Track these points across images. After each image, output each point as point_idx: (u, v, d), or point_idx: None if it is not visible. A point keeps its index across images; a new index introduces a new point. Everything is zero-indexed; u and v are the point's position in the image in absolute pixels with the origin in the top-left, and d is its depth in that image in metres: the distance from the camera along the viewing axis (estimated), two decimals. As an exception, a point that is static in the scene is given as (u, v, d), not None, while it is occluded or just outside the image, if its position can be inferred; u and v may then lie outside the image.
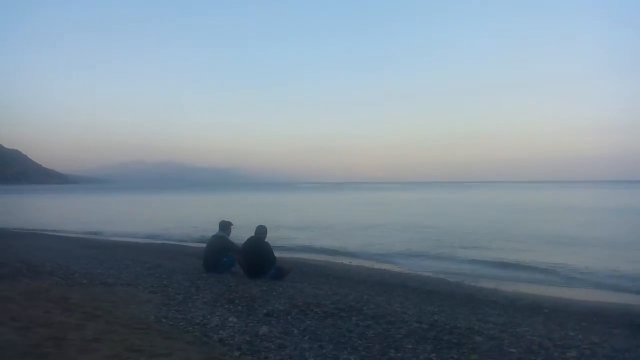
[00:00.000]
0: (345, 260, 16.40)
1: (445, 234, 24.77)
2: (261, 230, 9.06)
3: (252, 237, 9.07)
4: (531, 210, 42.59)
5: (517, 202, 57.69)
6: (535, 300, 9.75)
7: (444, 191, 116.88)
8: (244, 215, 32.72)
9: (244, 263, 8.96)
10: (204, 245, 10.27)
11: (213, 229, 10.09)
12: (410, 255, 18.43)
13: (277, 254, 9.75)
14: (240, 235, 10.58)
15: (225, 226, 9.60)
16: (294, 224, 30.07)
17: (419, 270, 14.87)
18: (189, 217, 35.17)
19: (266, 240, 9.08)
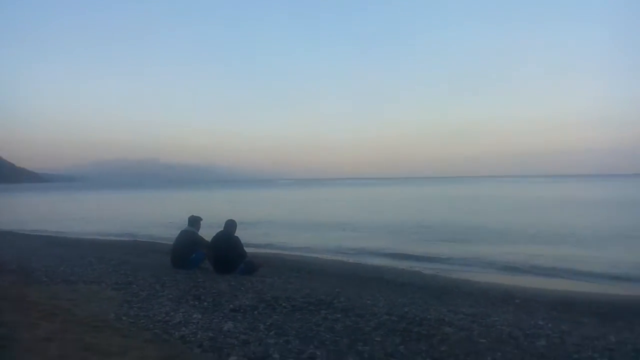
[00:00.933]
0: (321, 255, 16.30)
1: (425, 228, 24.89)
2: (230, 225, 8.83)
3: (221, 231, 8.84)
4: (515, 204, 43.16)
5: (502, 196, 58.51)
6: (507, 290, 9.77)
7: (432, 186, 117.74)
8: (218, 211, 32.29)
9: (212, 258, 8.73)
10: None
11: (184, 225, 9.82)
12: (387, 249, 18.43)
13: (248, 250, 9.56)
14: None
15: (194, 221, 9.35)
16: (268, 220, 29.87)
17: (394, 264, 14.86)
18: (163, 214, 34.61)
19: (236, 235, 8.85)
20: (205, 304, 6.37)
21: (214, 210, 31.27)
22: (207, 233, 9.51)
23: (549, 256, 15.80)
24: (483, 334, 4.97)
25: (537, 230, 22.62)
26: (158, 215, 33.79)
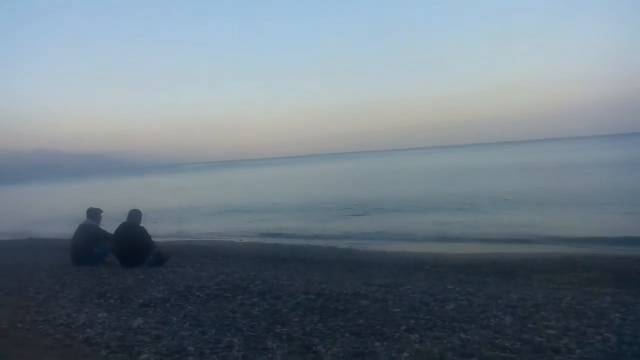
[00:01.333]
0: (236, 239, 16.06)
1: (337, 204, 25.37)
2: (135, 215, 8.31)
3: (124, 222, 8.30)
4: (418, 175, 45.21)
5: (407, 168, 61.00)
6: (418, 258, 10.20)
7: (340, 162, 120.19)
8: (120, 201, 30.64)
9: (117, 251, 8.19)
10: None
11: (83, 219, 9.09)
12: (302, 228, 18.57)
13: (156, 241, 9.12)
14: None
15: (94, 213, 8.69)
16: (176, 207, 28.93)
17: (310, 242, 15.02)
18: (60, 209, 32.17)
19: (142, 225, 8.36)
20: (112, 301, 5.96)
21: (115, 201, 29.57)
22: (109, 226, 8.91)
23: (455, 223, 16.80)
24: (397, 303, 5.10)
25: (440, 199, 23.94)
26: (54, 210, 31.38)
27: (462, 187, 29.53)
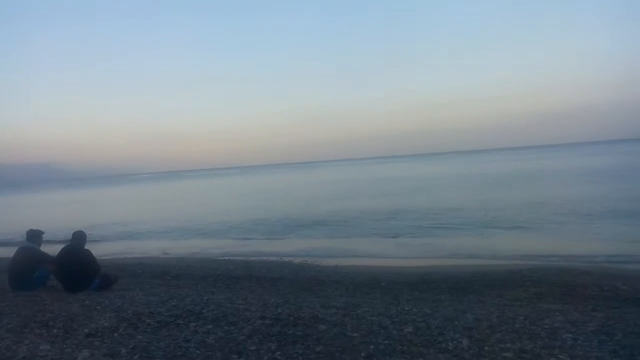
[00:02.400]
0: (187, 255, 15.62)
1: (287, 215, 25.24)
2: (79, 236, 7.87)
3: (68, 245, 7.84)
4: (363, 187, 45.70)
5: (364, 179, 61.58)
6: (373, 274, 10.24)
7: (290, 173, 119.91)
8: (58, 218, 29.29)
9: (60, 276, 7.72)
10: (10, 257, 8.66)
11: (23, 241, 8.54)
12: (255, 240, 18.34)
13: (102, 261, 8.69)
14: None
15: (34, 235, 8.17)
16: (122, 221, 27.95)
17: (263, 256, 14.82)
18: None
19: (86, 248, 7.91)
20: (55, 330, 5.58)
21: (56, 218, 28.22)
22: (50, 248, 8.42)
23: (405, 235, 17.05)
24: (355, 327, 5.05)
25: (387, 210, 24.28)
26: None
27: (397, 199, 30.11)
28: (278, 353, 4.42)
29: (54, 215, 35.35)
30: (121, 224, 26.65)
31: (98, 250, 8.65)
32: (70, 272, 7.53)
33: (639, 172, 38.88)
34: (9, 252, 8.44)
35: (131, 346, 4.84)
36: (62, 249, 7.79)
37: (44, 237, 8.38)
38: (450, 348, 4.36)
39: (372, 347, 4.46)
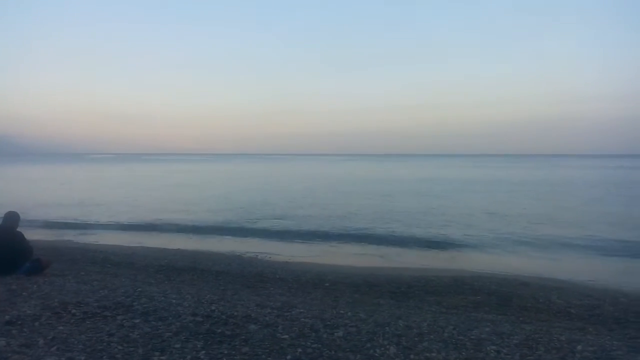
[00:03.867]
0: (134, 243, 15.21)
1: (247, 207, 24.98)
2: (11, 217, 7.49)
3: (-2, 226, 7.45)
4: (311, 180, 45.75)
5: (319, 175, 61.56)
6: (320, 272, 10.20)
7: (251, 163, 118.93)
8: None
9: (-12, 258, 7.32)
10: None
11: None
12: (211, 230, 18.04)
13: (37, 242, 8.32)
14: None
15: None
16: (67, 202, 27.04)
17: (213, 248, 14.59)
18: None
19: (19, 230, 7.53)
20: (-28, 317, 5.29)
21: None
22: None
23: (354, 229, 17.11)
24: (287, 328, 4.98)
25: (340, 206, 24.36)
26: None
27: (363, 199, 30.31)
28: (203, 352, 4.30)
29: None
30: (68, 205, 25.70)
31: (35, 233, 8.27)
32: (-2, 254, 7.16)
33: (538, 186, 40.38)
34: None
35: (50, 337, 4.62)
36: (-8, 230, 7.40)
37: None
38: (377, 355, 4.36)
39: (299, 350, 4.40)
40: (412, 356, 4.33)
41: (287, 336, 4.77)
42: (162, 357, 4.18)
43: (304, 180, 52.74)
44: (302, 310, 5.78)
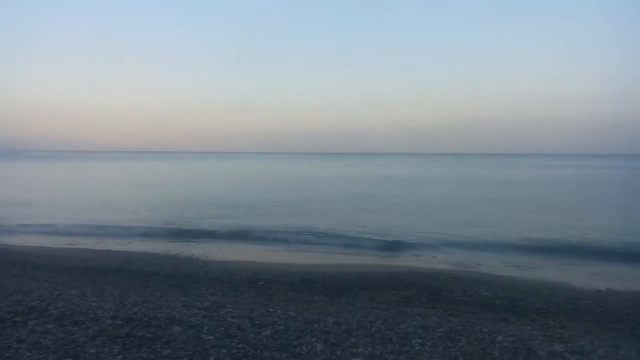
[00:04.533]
0: (62, 243, 14.39)
1: (180, 205, 24.31)
2: None
3: None
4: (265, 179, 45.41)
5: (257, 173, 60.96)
6: (256, 271, 10.01)
7: (195, 161, 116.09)
8: None
9: None
10: None
11: None
12: (149, 230, 17.37)
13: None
14: None
15: None
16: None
17: (149, 249, 14.04)
18: None
19: None
20: None
21: None
22: None
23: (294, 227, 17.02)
24: (212, 329, 4.84)
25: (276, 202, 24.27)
26: None
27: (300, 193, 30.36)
28: (120, 357, 4.09)
29: None
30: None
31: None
32: None
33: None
34: None
35: (-51, 347, 4.25)
36: None
37: None
38: (303, 352, 4.31)
39: (223, 351, 4.28)
40: (338, 352, 4.32)
41: (212, 337, 4.63)
42: (74, 364, 3.93)
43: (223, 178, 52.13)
44: (230, 309, 5.64)
